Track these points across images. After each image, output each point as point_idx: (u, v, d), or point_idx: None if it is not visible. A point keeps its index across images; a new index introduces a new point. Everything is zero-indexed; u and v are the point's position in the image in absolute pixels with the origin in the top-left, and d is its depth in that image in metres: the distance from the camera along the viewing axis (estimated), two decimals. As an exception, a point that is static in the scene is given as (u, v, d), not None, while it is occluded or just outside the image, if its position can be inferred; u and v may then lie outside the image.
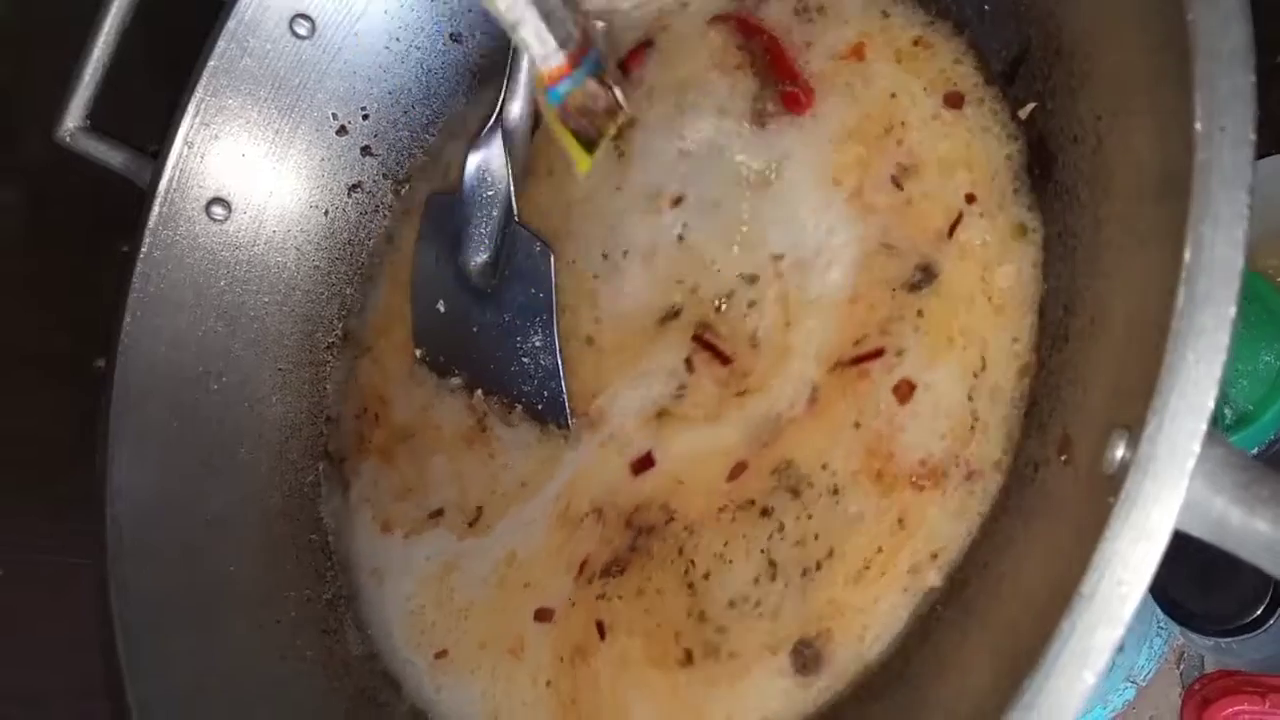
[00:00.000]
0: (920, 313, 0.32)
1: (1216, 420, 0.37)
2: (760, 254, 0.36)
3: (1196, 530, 0.19)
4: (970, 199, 0.32)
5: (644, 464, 0.36)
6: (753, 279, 0.35)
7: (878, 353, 0.32)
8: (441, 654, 0.41)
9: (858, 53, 0.35)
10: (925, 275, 0.32)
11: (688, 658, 0.33)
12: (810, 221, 0.34)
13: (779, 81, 0.36)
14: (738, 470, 0.34)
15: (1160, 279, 0.21)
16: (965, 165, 0.32)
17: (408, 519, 0.43)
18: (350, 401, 0.48)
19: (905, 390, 0.31)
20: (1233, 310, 0.19)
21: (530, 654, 0.37)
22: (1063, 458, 0.26)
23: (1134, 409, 0.21)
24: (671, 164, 0.38)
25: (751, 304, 0.35)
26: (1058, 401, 0.28)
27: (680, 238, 0.37)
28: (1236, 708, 0.41)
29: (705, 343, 0.35)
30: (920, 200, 0.33)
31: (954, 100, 0.33)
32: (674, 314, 0.36)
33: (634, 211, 0.38)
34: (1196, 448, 0.19)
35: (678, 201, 0.37)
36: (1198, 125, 0.20)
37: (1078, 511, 0.23)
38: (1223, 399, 0.45)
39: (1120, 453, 0.21)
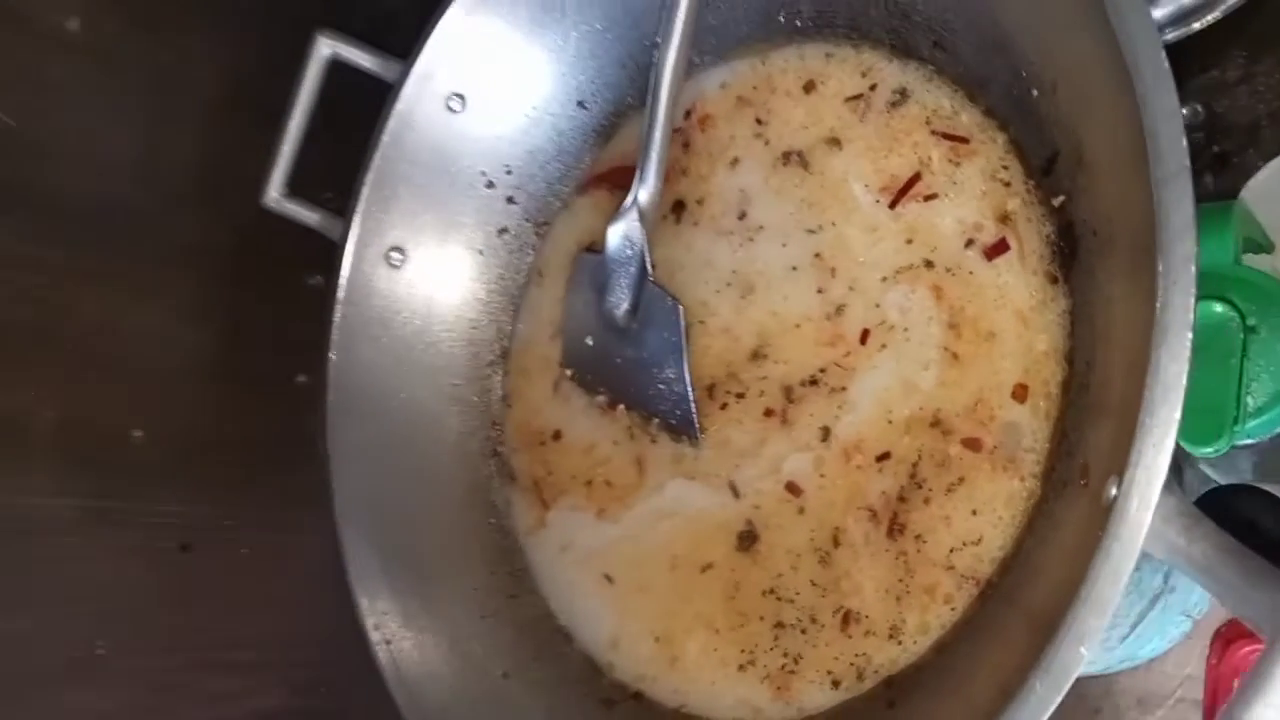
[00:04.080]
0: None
1: (1178, 470, 0.45)
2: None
3: (1155, 551, 0.29)
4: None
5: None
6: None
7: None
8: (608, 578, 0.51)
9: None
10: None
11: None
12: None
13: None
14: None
15: (1143, 363, 0.30)
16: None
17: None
18: (512, 410, 0.59)
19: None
20: (1175, 424, 0.28)
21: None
22: (1082, 482, 0.35)
23: (1123, 461, 0.30)
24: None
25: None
26: (1080, 436, 0.37)
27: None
28: (1252, 647, 0.50)
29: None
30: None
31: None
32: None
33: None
34: (1155, 498, 0.29)
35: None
36: (1160, 268, 0.29)
37: (1087, 528, 0.33)
38: (1245, 391, 0.52)
39: (1114, 491, 0.31)
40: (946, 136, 0.44)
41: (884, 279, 0.44)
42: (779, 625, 0.45)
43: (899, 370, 0.43)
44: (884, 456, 0.43)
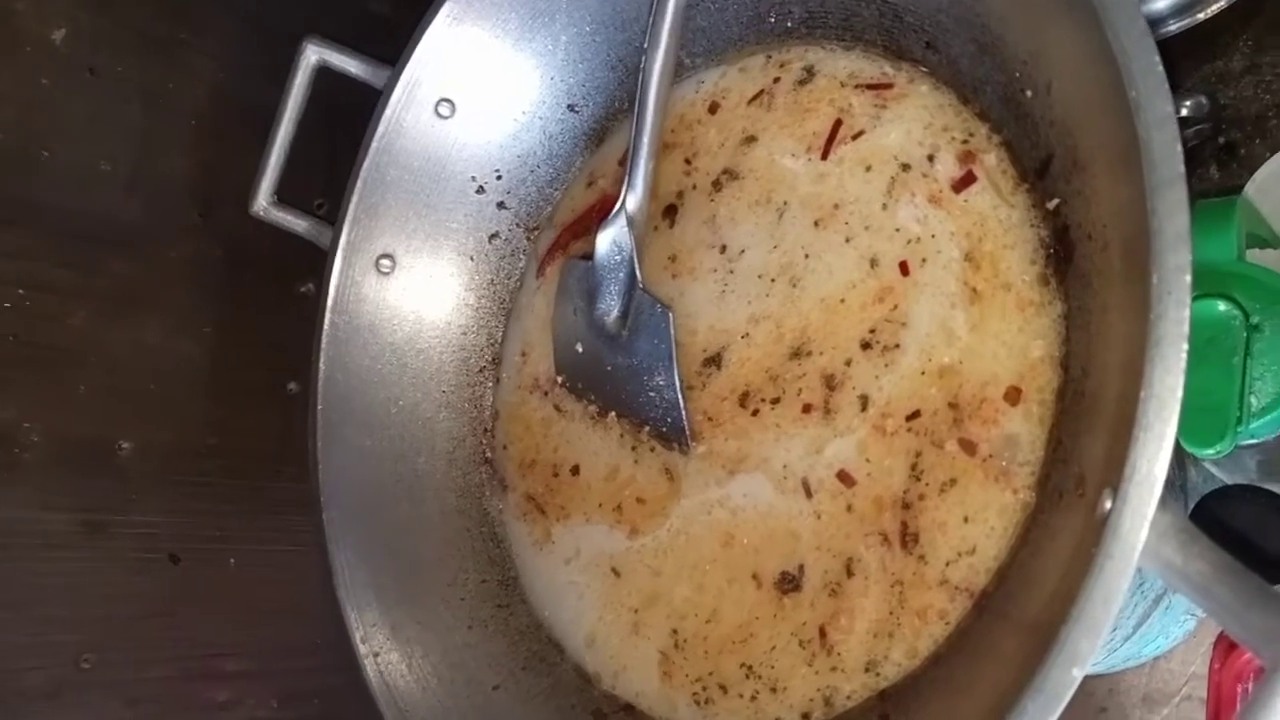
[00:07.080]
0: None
1: (1182, 468, 0.44)
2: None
3: (1150, 568, 0.28)
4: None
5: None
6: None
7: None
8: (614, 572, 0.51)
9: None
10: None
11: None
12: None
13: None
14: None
15: (1137, 374, 0.29)
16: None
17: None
18: (501, 417, 0.59)
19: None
20: (1170, 438, 0.27)
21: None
22: (1078, 492, 0.35)
23: (1117, 474, 0.30)
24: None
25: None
26: (1075, 444, 0.36)
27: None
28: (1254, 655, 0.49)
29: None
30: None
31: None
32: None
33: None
34: (1150, 514, 0.28)
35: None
36: (1154, 278, 0.28)
37: (1081, 541, 0.32)
38: (1249, 391, 0.51)
39: (1108, 505, 0.30)
40: (869, 87, 0.45)
41: (884, 205, 0.44)
42: (722, 688, 0.45)
43: (938, 297, 0.42)
44: (914, 415, 0.42)
